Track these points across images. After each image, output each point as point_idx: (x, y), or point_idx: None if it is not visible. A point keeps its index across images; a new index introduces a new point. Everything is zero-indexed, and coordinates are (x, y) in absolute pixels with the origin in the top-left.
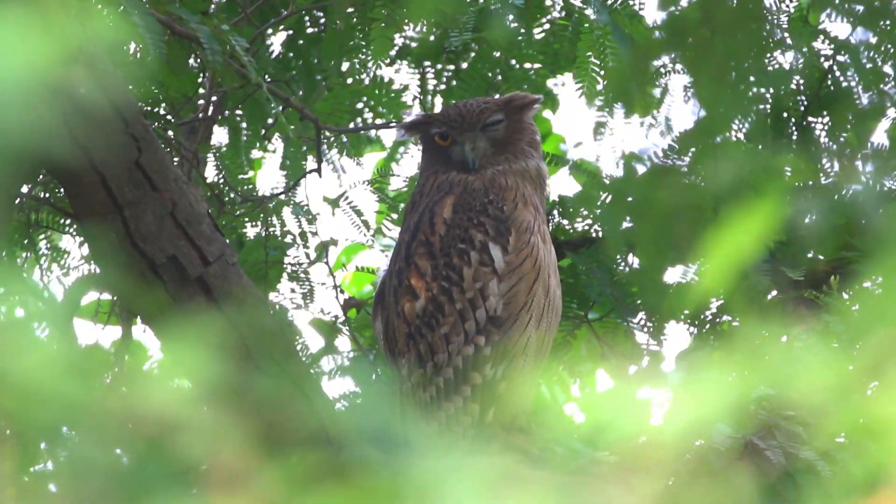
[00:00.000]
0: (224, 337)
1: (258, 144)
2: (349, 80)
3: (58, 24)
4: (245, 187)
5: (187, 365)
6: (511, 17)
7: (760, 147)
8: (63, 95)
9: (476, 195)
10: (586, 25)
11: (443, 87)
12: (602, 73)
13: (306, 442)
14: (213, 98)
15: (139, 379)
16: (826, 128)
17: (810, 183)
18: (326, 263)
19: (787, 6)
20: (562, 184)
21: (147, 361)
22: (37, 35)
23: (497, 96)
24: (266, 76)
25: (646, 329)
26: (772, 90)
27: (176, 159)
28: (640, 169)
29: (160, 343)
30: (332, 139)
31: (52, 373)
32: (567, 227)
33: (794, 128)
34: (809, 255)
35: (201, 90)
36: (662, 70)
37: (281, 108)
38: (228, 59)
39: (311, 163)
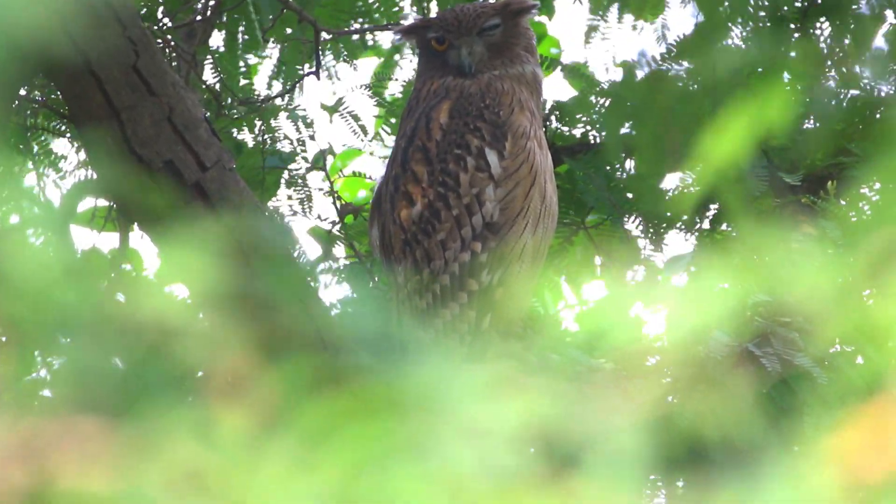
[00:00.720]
0: (221, 242)
1: (254, 46)
2: None
3: None
4: (241, 93)
5: (185, 270)
6: None
7: (758, 50)
8: None
9: (472, 100)
10: None
11: None
12: None
13: (303, 348)
14: (212, 1)
15: (136, 285)
16: (825, 33)
17: (808, 86)
18: (324, 169)
19: None
20: (556, 88)
21: (144, 269)
22: None
23: (493, 1)
24: None
25: (644, 235)
26: None
27: (174, 63)
28: (638, 74)
29: (157, 248)
30: (329, 45)
31: (49, 278)
32: (565, 133)
33: (793, 33)
34: (807, 161)
35: None
36: None
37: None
38: None
39: (308, 67)
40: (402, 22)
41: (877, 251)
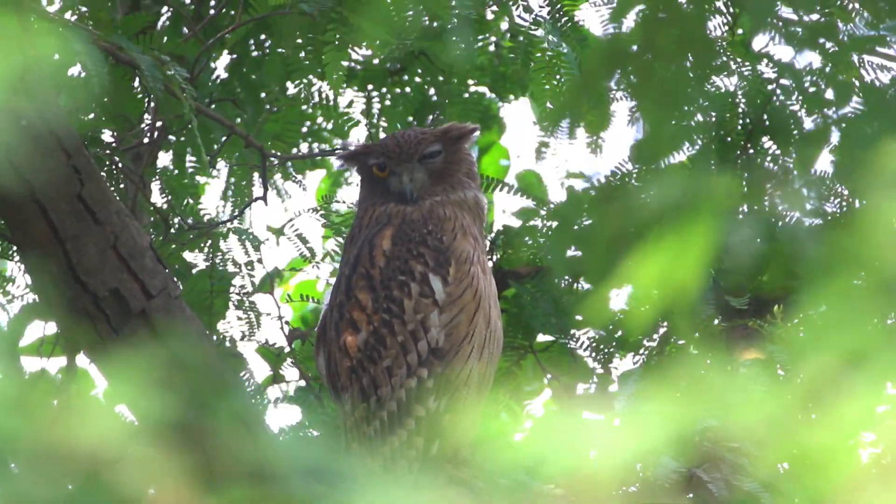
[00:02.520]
0: (166, 371)
1: (202, 171)
2: (295, 102)
3: None
4: (189, 216)
5: (130, 400)
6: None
7: (701, 170)
8: (4, 125)
9: (415, 226)
10: (540, 46)
11: (387, 103)
12: (555, 93)
13: (249, 476)
14: (159, 123)
15: (84, 410)
16: (770, 153)
17: (753, 207)
18: (271, 293)
19: (729, 30)
20: (505, 202)
21: (93, 390)
22: None
23: (433, 128)
24: (210, 98)
25: (592, 356)
26: (715, 114)
27: (122, 185)
28: (582, 189)
29: (104, 377)
30: (277, 163)
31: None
32: (511, 257)
33: (739, 152)
34: (753, 284)
35: (147, 115)
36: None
37: (224, 136)
38: (169, 88)
39: (257, 189)
40: (343, 148)
41: (819, 375)
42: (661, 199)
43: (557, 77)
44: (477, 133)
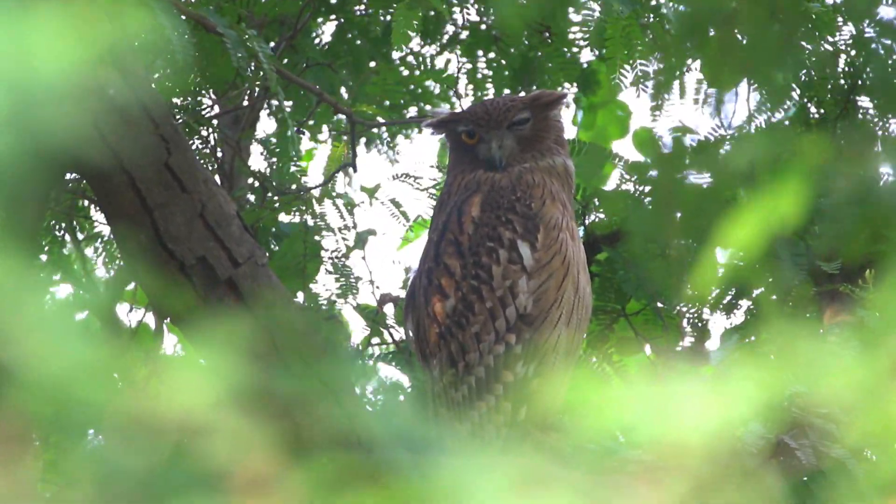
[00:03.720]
0: (253, 338)
1: (291, 141)
2: (394, 65)
3: (88, 23)
4: (288, 181)
5: (216, 367)
6: None
7: (793, 131)
8: (92, 96)
9: (503, 193)
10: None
11: (487, 72)
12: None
13: (336, 444)
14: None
15: (172, 379)
16: (869, 114)
17: (847, 169)
18: (363, 258)
19: None
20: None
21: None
22: (67, 34)
23: (522, 94)
24: (307, 62)
25: (683, 320)
26: (813, 74)
27: (219, 149)
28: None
29: (191, 345)
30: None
31: (80, 374)
32: (603, 221)
33: (837, 113)
34: (846, 248)
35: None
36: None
37: (315, 102)
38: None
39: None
40: (432, 116)
41: None
42: (753, 159)
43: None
44: (567, 99)
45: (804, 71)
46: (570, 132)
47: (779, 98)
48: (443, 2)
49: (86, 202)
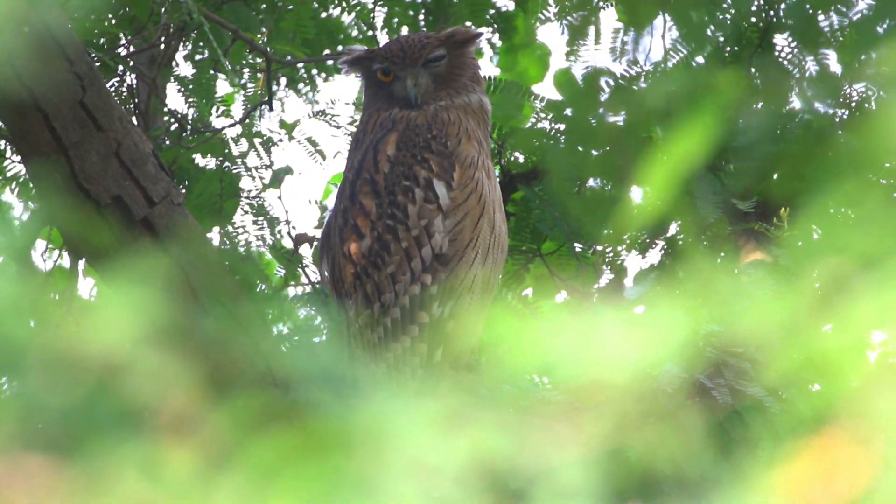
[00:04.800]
0: (169, 278)
1: (226, 75)
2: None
3: None
4: (204, 119)
5: (133, 306)
6: None
7: (708, 68)
8: (7, 33)
9: (419, 131)
10: None
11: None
12: None
13: (253, 384)
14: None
15: (89, 317)
16: (785, 51)
17: (762, 106)
18: (279, 198)
19: None
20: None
21: (96, 297)
22: None
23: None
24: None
25: (598, 259)
26: (731, 14)
27: (135, 87)
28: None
29: (106, 283)
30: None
31: (6, 312)
32: (519, 160)
33: (752, 50)
34: (760, 186)
35: (161, 17)
36: None
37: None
38: None
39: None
40: (347, 53)
41: (827, 279)
42: (668, 96)
43: None
44: (481, 37)
45: (720, 7)
46: (487, 71)
47: (695, 35)
48: None
49: (1, 143)
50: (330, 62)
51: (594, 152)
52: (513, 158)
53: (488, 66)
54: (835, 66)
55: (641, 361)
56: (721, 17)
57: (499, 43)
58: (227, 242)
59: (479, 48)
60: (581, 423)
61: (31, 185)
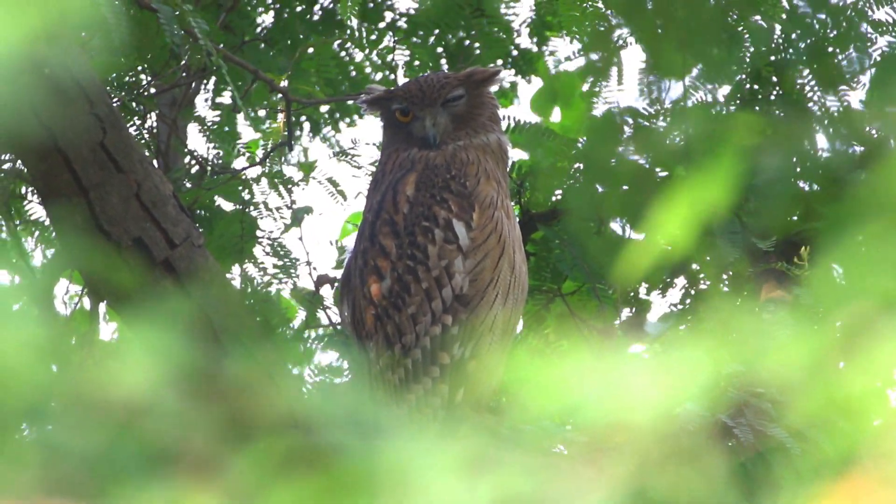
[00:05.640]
0: (191, 320)
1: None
2: (329, 39)
3: (23, 2)
4: (225, 160)
5: (154, 349)
6: None
7: (725, 109)
8: (28, 75)
9: (438, 171)
10: None
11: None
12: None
13: (275, 427)
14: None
15: (111, 361)
16: (808, 89)
17: (780, 145)
18: (300, 238)
19: None
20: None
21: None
22: (2, 13)
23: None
24: (243, 39)
25: (619, 301)
26: (749, 51)
27: (155, 128)
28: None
29: (127, 326)
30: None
31: (28, 356)
32: (538, 199)
33: (772, 88)
34: (780, 225)
35: (183, 61)
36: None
37: (251, 81)
38: (191, 35)
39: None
40: (367, 93)
41: (849, 321)
42: (686, 136)
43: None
44: (501, 76)
45: (739, 47)
46: (509, 110)
47: (718, 73)
48: None
49: (23, 188)
50: (350, 102)
51: (613, 192)
52: (532, 197)
53: (512, 107)
54: (857, 104)
55: (663, 402)
56: (740, 55)
57: (520, 83)
58: (248, 284)
59: (508, 90)
60: (603, 465)
61: (52, 227)
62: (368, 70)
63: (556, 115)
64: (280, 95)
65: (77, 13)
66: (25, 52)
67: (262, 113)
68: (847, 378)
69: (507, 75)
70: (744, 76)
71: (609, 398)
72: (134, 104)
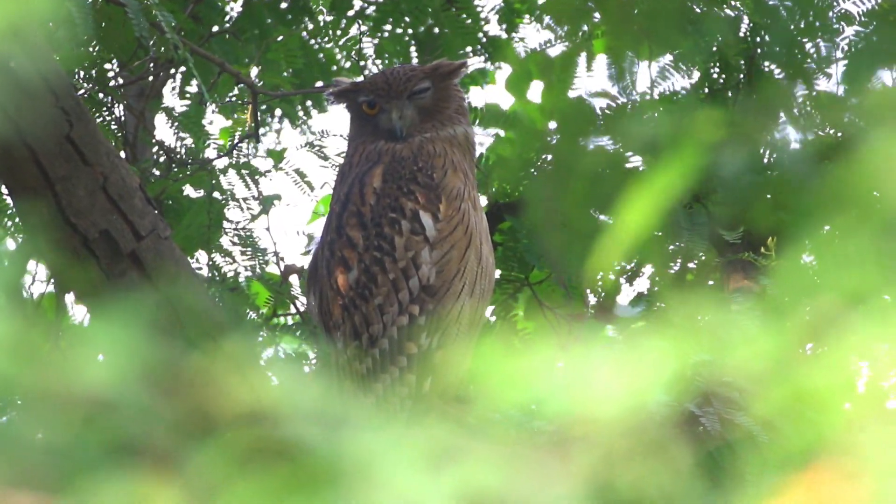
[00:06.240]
0: (157, 313)
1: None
2: (296, 30)
3: None
4: (193, 151)
5: (119, 342)
6: None
7: (689, 101)
8: None
9: (405, 163)
10: None
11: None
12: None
13: (242, 419)
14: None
15: (75, 354)
16: (776, 78)
17: (745, 137)
18: (268, 229)
19: None
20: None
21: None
22: None
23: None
24: (210, 32)
25: (585, 289)
26: (715, 42)
27: (122, 118)
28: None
29: (93, 319)
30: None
31: None
32: (505, 190)
33: (741, 79)
34: (747, 217)
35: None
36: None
37: (217, 72)
38: (158, 28)
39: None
40: (333, 86)
41: (816, 312)
42: (655, 127)
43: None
44: (465, 68)
45: (706, 37)
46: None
47: (683, 63)
48: None
49: None
50: (315, 94)
51: (580, 182)
52: (499, 188)
53: (479, 95)
54: (827, 93)
55: (630, 392)
56: (705, 44)
57: (490, 68)
58: (216, 273)
59: (477, 76)
60: (571, 456)
61: (19, 219)
62: (340, 57)
63: (535, 94)
64: (247, 87)
65: (41, 8)
66: None
67: (230, 101)
68: (814, 368)
69: (477, 62)
70: (711, 65)
71: (576, 388)
72: (101, 95)
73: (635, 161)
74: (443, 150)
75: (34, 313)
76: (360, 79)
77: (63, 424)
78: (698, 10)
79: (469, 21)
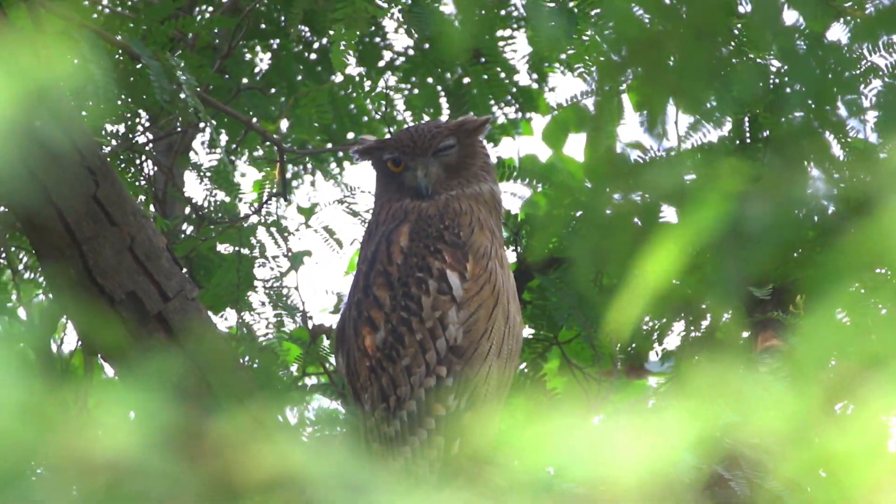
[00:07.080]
0: (183, 375)
1: (236, 161)
2: (324, 85)
3: (15, 59)
4: (223, 208)
5: (145, 406)
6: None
7: (713, 153)
8: (20, 129)
9: (431, 222)
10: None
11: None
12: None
13: (267, 485)
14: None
15: (103, 417)
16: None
17: (771, 191)
18: (296, 288)
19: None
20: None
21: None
22: None
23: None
24: (239, 87)
25: (615, 347)
26: (745, 93)
27: (152, 174)
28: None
29: (120, 380)
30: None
31: (12, 417)
32: (535, 248)
33: (769, 130)
34: (776, 273)
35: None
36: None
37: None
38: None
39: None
40: (359, 143)
41: (843, 371)
42: (673, 183)
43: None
44: (491, 124)
45: (733, 90)
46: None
47: (712, 118)
48: (381, 13)
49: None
50: (340, 153)
51: (613, 240)
52: (528, 246)
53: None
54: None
55: (658, 454)
56: (732, 98)
57: (523, 118)
58: (246, 331)
59: (508, 126)
60: None
61: (46, 280)
62: (370, 107)
63: (573, 147)
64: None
65: (66, 71)
66: (17, 108)
67: (259, 157)
68: (842, 429)
69: (509, 112)
70: (740, 118)
71: (604, 450)
72: (129, 153)
73: (666, 212)
74: (469, 208)
75: (63, 370)
76: (386, 136)
77: (86, 491)
78: (726, 62)
79: (499, 71)
